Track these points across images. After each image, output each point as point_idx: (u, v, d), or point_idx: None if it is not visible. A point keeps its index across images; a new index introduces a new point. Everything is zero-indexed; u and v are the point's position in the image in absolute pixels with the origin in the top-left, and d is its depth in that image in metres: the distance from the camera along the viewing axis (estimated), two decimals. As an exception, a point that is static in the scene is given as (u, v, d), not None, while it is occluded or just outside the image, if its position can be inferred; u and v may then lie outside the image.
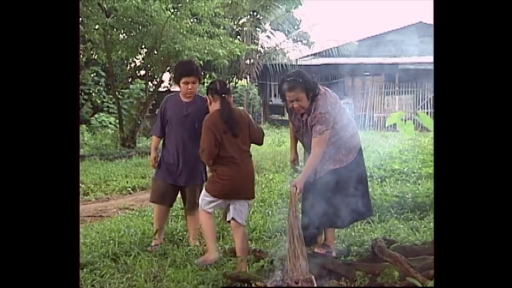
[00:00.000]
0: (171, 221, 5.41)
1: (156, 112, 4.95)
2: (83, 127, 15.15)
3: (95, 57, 14.49)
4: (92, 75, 17.49)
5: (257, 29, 21.93)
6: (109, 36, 12.83)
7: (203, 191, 4.17)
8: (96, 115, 17.75)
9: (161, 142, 4.87)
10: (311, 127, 3.92)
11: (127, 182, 8.75)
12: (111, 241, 4.69)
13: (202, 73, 22.25)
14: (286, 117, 4.28)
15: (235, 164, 4.00)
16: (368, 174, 7.56)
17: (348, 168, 4.00)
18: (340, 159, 4.00)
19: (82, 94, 17.50)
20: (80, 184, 8.15)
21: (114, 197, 8.00)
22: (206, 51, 12.99)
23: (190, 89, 4.61)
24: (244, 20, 20.99)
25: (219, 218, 5.51)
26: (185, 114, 4.65)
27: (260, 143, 4.21)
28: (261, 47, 22.44)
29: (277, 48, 22.17)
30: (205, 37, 13.34)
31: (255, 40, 21.55)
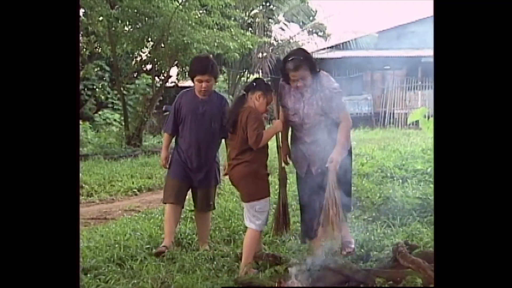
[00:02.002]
0: (178, 223, 5.43)
1: (164, 108, 4.96)
2: (86, 125, 15.26)
3: (99, 51, 14.59)
4: (95, 69, 17.59)
5: (270, 20, 21.89)
6: (113, 28, 12.91)
7: None
8: (100, 112, 17.88)
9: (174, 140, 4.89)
10: (321, 106, 4.04)
11: (133, 182, 8.80)
12: (116, 245, 4.71)
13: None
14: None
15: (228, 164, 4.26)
16: (388, 174, 7.63)
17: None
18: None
19: (85, 89, 17.61)
20: (84, 185, 8.21)
21: (119, 198, 8.05)
22: (216, 44, 13.01)
23: (203, 87, 4.61)
24: (256, 11, 20.96)
25: (230, 221, 5.52)
26: (201, 111, 4.67)
27: (252, 147, 4.03)
28: (274, 39, 22.40)
29: (291, 40, 22.10)
30: (215, 29, 13.37)
31: (267, 32, 21.52)
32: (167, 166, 4.83)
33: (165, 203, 4.90)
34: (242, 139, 4.03)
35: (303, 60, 4.04)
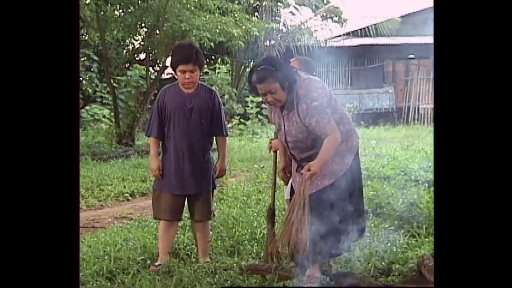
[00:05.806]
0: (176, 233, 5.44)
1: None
2: (72, 121, 15.31)
3: (86, 38, 14.62)
4: (82, 59, 17.65)
5: (279, 4, 21.89)
6: (102, 12, 12.93)
7: None
8: (87, 107, 17.93)
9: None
10: (302, 124, 3.87)
11: (125, 186, 8.81)
12: (106, 257, 4.73)
13: (213, 57, 21.80)
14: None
15: None
16: (412, 177, 7.62)
17: (342, 180, 3.91)
18: (334, 169, 3.91)
19: (71, 82, 17.67)
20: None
21: (109, 204, 8.07)
22: (218, 31, 13.01)
23: (187, 78, 4.60)
24: (263, -7, 20.98)
25: (234, 229, 5.52)
26: (189, 107, 4.65)
27: None
28: (284, 25, 22.38)
29: (302, 26, 22.07)
30: (216, 14, 13.37)
31: (276, 17, 21.51)
32: (160, 176, 4.73)
33: (158, 218, 4.90)
34: None
35: (270, 71, 3.83)
